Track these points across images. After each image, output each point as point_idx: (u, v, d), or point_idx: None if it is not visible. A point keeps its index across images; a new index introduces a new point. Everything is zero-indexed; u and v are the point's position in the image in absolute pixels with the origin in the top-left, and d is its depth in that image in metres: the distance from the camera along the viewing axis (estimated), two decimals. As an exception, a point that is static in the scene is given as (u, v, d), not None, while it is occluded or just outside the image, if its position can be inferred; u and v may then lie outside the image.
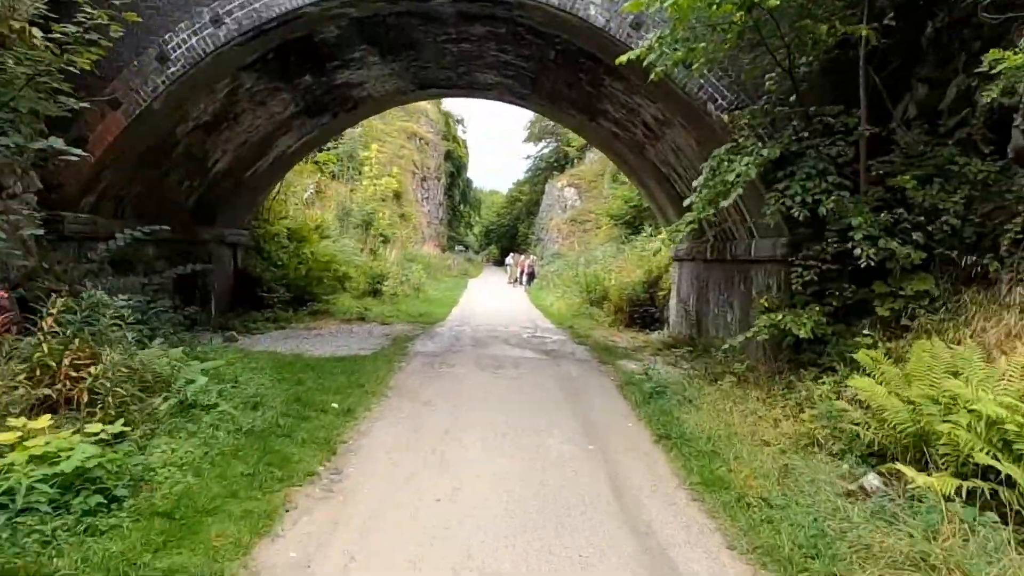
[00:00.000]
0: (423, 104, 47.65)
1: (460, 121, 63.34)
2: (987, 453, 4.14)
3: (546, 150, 58.96)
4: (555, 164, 55.83)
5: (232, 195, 13.34)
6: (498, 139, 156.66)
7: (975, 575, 3.38)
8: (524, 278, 32.52)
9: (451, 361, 10.17)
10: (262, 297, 14.35)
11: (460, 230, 66.60)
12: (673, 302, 14.77)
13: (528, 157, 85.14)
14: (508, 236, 66.06)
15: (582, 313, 17.20)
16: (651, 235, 21.90)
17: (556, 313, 18.17)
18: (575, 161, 51.05)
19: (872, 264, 6.63)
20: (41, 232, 7.32)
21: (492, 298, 24.57)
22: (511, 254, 39.58)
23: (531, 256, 37.07)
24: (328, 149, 24.89)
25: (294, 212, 20.79)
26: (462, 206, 64.83)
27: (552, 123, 59.53)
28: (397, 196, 35.22)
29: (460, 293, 25.39)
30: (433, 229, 45.31)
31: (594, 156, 48.15)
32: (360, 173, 27.69)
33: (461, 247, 51.67)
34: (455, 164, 57.54)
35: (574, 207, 44.10)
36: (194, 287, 12.46)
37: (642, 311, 15.79)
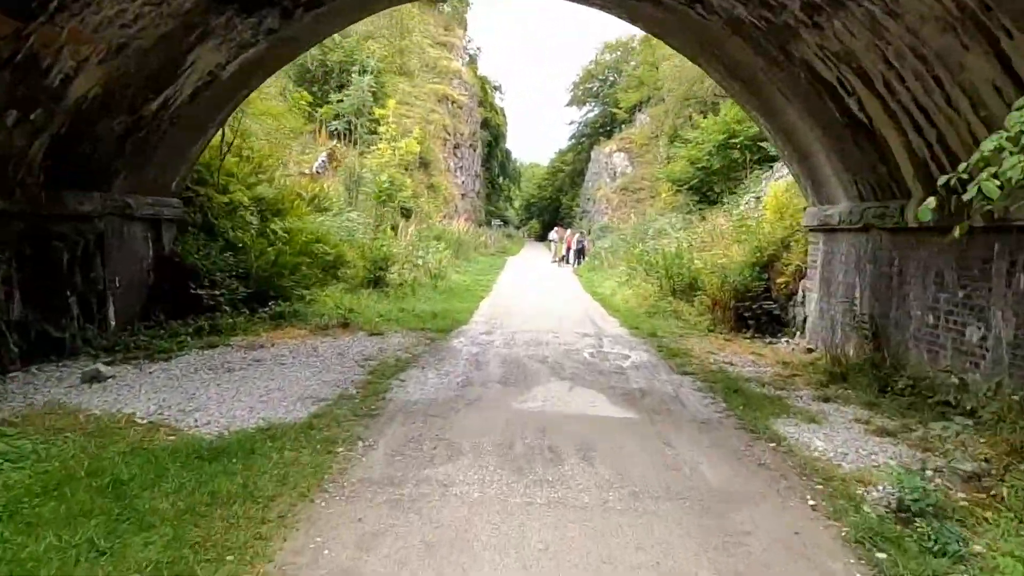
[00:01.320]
0: (456, 65, 42.41)
1: (497, 87, 57.92)
2: None
3: (591, 114, 52.99)
4: (601, 129, 49.93)
5: (135, 143, 8.45)
6: (538, 112, 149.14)
7: None
8: (572, 256, 27.22)
9: (455, 434, 5.07)
10: (199, 296, 9.54)
11: (499, 204, 61.54)
12: (814, 296, 9.36)
13: (571, 123, 79.36)
14: (550, 210, 60.63)
15: (661, 309, 11.90)
16: (748, 194, 16.36)
17: (622, 307, 12.89)
18: (623, 126, 45.19)
19: None
20: None
21: (534, 283, 19.38)
22: (555, 228, 34.25)
23: (580, 230, 31.65)
24: (329, 102, 19.94)
25: (284, 178, 16.04)
26: (501, 178, 59.69)
27: (598, 84, 53.38)
28: (425, 164, 30.23)
29: (495, 277, 20.27)
30: (469, 202, 40.24)
31: (645, 117, 42.15)
32: (376, 134, 22.74)
33: (499, 221, 46.45)
34: (493, 133, 52.21)
35: (624, 174, 38.48)
36: (64, 285, 7.70)
37: (754, 308, 10.44)
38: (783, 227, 11.41)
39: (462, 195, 37.98)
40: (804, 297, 9.96)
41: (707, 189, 25.98)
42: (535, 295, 15.58)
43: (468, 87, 42.74)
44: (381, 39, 32.69)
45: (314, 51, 27.38)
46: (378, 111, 22.87)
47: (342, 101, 19.86)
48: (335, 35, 30.11)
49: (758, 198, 20.61)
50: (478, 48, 58.31)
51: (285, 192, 13.83)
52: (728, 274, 10.89)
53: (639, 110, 43.14)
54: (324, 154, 24.50)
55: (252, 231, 11.29)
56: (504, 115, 57.88)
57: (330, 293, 12.04)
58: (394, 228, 17.23)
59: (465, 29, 52.90)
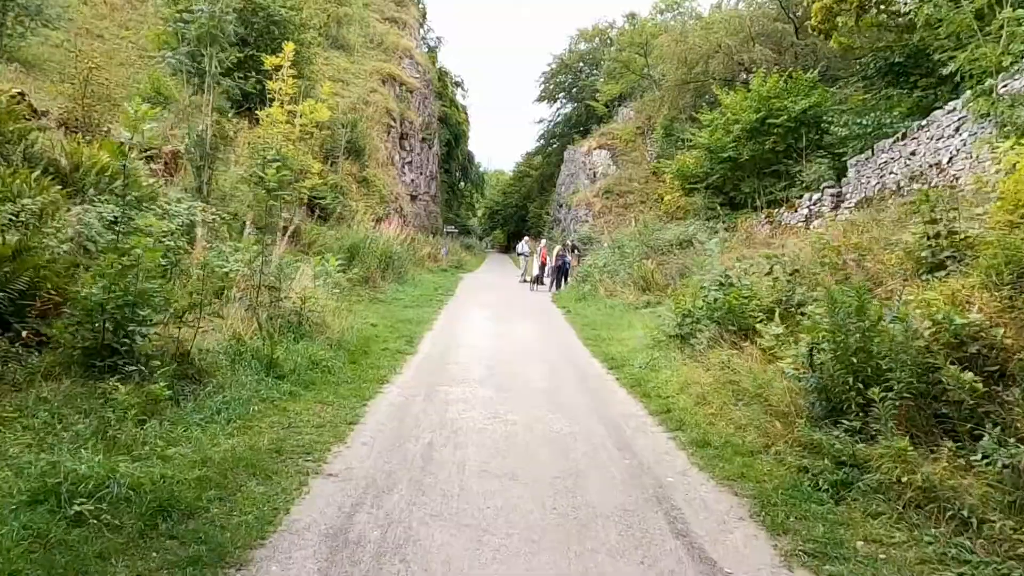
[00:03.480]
0: (406, 42, 34.53)
1: (459, 84, 50.12)
2: None
3: (564, 110, 45.53)
4: (575, 128, 42.53)
5: None
6: (503, 121, 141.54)
7: None
8: (548, 276, 19.48)
9: None
10: None
11: (461, 212, 53.65)
12: None
13: (540, 121, 71.54)
14: (517, 218, 52.90)
15: (853, 460, 4.18)
16: (818, 191, 8.99)
17: (712, 434, 5.15)
18: (601, 122, 37.84)
19: None
20: None
21: (498, 330, 11.32)
22: (524, 239, 26.44)
23: (561, 242, 23.83)
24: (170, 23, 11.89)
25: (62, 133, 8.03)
26: (462, 182, 51.82)
27: (571, 79, 46.03)
28: (356, 152, 22.24)
29: (433, 313, 12.31)
30: (421, 206, 32.31)
31: (630, 112, 34.95)
32: (266, 93, 14.64)
33: (452, 228, 38.33)
34: (453, 132, 44.36)
35: (607, 175, 30.96)
36: None
37: None
38: None
39: (412, 196, 30.05)
40: None
41: (731, 188, 18.69)
42: (498, 370, 7.72)
43: (422, 70, 34.87)
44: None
45: (203, -6, 19.12)
46: (269, 60, 14.67)
47: (182, 21, 11.65)
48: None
49: (838, 195, 13.36)
50: (438, 38, 50.41)
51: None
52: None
53: (621, 103, 35.94)
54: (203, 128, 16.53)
55: None
56: (466, 114, 50.24)
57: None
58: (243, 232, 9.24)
59: (424, 16, 45.20)
